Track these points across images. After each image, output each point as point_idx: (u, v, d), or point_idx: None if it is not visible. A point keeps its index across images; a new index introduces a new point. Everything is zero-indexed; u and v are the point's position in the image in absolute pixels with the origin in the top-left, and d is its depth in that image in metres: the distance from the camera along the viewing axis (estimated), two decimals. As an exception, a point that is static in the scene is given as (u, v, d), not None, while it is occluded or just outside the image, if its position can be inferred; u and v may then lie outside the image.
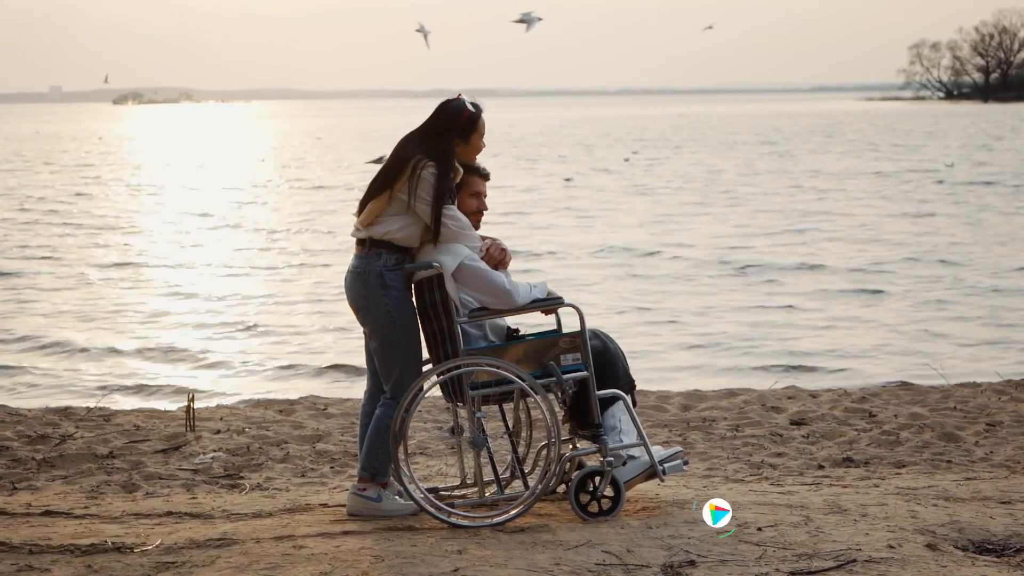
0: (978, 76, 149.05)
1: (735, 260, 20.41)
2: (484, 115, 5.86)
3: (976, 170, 40.34)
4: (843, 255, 21.23)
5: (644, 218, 27.57)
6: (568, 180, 39.84)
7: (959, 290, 17.53)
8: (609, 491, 5.68)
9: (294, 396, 10.29)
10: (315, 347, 14.03)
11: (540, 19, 10.78)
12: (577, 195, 34.16)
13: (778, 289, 17.89)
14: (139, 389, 12.03)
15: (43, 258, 22.13)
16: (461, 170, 5.82)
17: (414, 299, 5.79)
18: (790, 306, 16.22)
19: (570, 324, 5.90)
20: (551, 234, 24.59)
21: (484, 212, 6.01)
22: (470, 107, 5.79)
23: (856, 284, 18.12)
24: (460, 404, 5.78)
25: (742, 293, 17.43)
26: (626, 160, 50.44)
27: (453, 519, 5.60)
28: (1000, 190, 33.17)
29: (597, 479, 5.67)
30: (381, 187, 5.72)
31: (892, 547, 5.16)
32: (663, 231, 25.21)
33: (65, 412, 9.11)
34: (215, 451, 7.73)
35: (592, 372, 5.73)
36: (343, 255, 20.78)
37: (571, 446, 6.00)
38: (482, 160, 5.99)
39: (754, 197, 32.43)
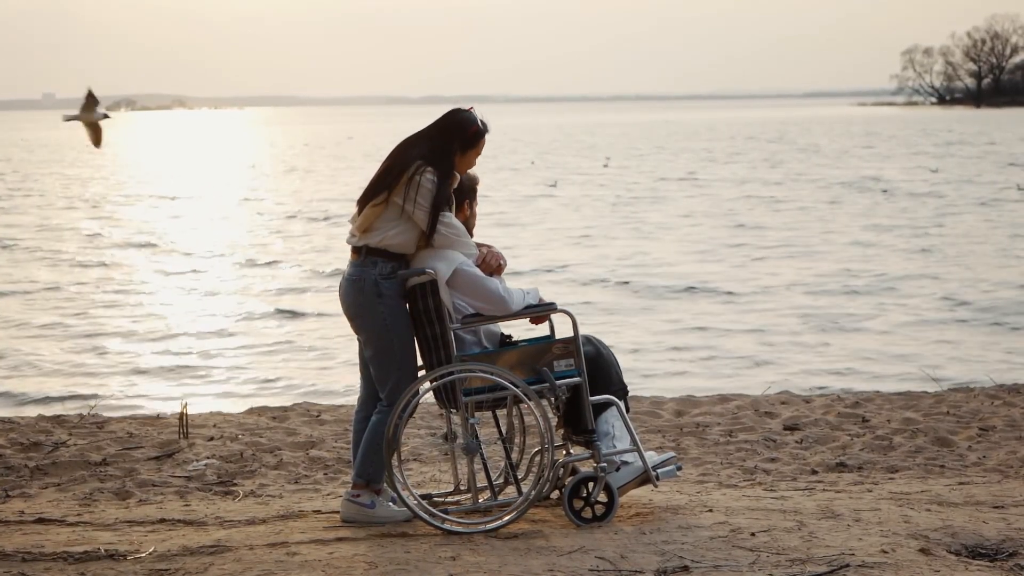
0: (970, 81, 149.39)
1: (708, 279, 20.26)
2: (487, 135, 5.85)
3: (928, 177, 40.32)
4: (822, 267, 21.24)
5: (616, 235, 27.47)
6: (552, 186, 39.93)
7: (950, 297, 17.54)
8: (603, 497, 5.68)
9: (287, 403, 10.28)
10: (306, 356, 14.03)
11: None
12: (547, 206, 33.66)
13: (766, 299, 17.90)
14: (132, 396, 12.01)
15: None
16: (459, 177, 5.82)
17: (408, 305, 5.79)
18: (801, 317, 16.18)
19: (563, 330, 5.91)
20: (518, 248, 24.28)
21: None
22: (479, 123, 5.78)
23: (847, 293, 18.13)
24: (454, 410, 5.78)
25: (723, 307, 17.39)
26: (604, 166, 50.71)
27: (447, 525, 5.60)
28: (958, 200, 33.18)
29: (591, 485, 5.68)
30: (378, 191, 5.70)
31: (885, 552, 5.17)
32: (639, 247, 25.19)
33: (58, 419, 9.10)
34: (208, 458, 7.72)
35: (585, 378, 5.74)
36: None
37: (565, 452, 6.00)
38: (485, 166, 6.00)
39: (714, 211, 31.91)
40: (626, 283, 19.26)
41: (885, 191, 35.43)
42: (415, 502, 5.70)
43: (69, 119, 6.56)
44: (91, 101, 6.46)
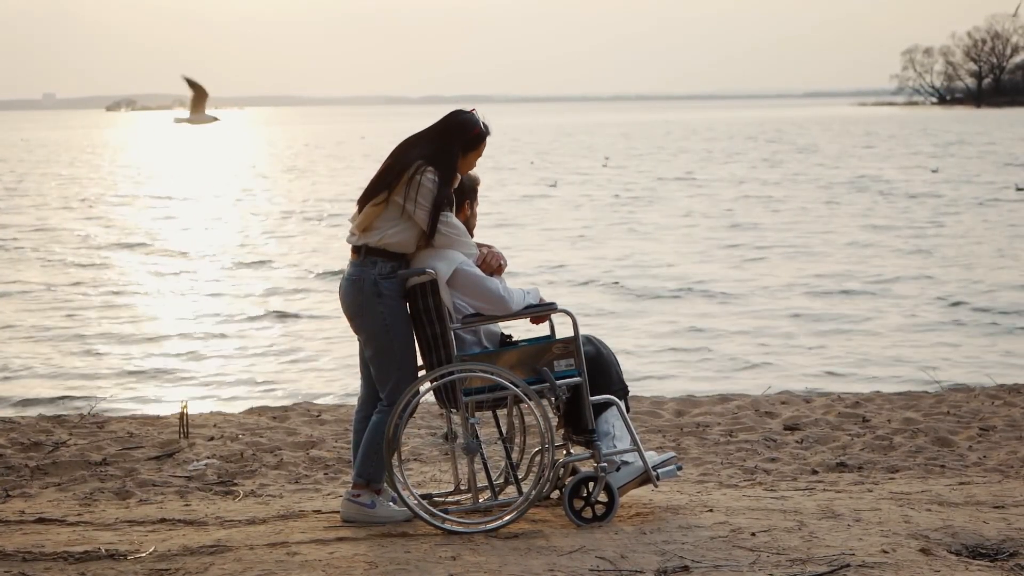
0: (971, 81, 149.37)
1: (709, 278, 20.26)
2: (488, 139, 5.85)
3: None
4: (821, 267, 21.23)
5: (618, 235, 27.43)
6: (552, 186, 39.93)
7: (949, 297, 17.54)
8: (603, 497, 5.68)
9: (287, 403, 10.28)
10: (308, 356, 14.03)
11: None
12: (546, 207, 33.46)
13: (765, 300, 17.89)
14: (132, 396, 12.01)
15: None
16: (460, 178, 5.82)
17: (408, 305, 5.79)
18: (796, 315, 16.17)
19: (564, 330, 5.90)
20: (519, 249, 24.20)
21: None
22: (482, 125, 5.78)
23: (846, 293, 18.13)
24: (454, 410, 5.78)
25: (721, 307, 17.38)
26: (603, 166, 50.79)
27: (447, 525, 5.60)
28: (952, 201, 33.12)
29: (591, 485, 5.68)
30: (379, 190, 5.70)
31: (886, 552, 5.17)
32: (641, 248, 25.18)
33: (58, 419, 9.10)
34: (209, 458, 7.72)
35: (586, 378, 5.74)
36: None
37: (565, 452, 6.00)
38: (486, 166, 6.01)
39: (710, 211, 31.73)
40: (625, 283, 19.26)
41: (882, 192, 35.39)
42: (415, 502, 5.70)
43: (180, 121, 6.59)
44: (200, 96, 6.43)
